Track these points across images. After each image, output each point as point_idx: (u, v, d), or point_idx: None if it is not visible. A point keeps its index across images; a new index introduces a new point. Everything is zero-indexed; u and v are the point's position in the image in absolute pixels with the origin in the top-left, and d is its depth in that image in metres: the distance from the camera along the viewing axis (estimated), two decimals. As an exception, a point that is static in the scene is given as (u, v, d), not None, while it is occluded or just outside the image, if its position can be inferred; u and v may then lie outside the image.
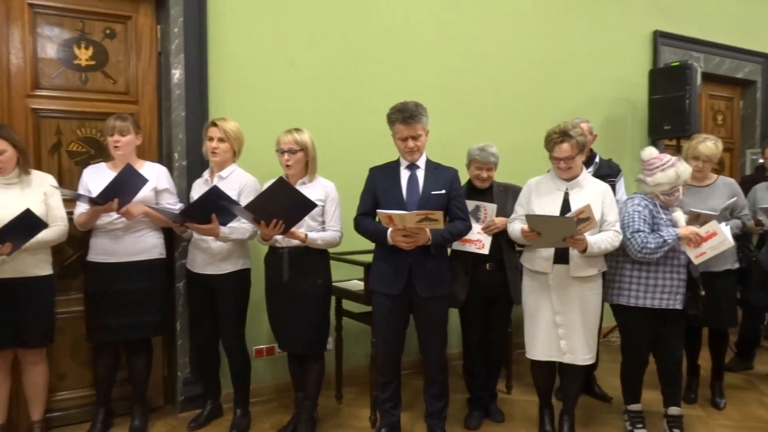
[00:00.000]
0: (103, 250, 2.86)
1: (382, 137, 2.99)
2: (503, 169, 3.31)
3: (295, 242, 2.82)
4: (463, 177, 3.08)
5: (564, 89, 4.66)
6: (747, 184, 3.76)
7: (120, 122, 2.83)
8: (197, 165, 3.24)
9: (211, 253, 2.95)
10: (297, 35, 3.59)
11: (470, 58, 4.23)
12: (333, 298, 3.40)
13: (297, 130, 2.90)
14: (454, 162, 3.07)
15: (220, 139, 2.94)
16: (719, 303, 3.23)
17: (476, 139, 3.44)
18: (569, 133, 2.75)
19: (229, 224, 2.82)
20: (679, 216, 2.89)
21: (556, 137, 2.77)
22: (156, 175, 2.95)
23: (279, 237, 2.80)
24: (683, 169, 2.85)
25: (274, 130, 2.99)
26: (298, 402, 3.06)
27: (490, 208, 3.07)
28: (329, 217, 2.91)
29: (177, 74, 3.21)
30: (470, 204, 3.05)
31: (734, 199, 3.25)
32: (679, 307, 2.85)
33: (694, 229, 2.79)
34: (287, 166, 2.87)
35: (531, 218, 2.65)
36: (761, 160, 4.54)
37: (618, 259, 2.92)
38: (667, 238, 2.75)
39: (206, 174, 3.07)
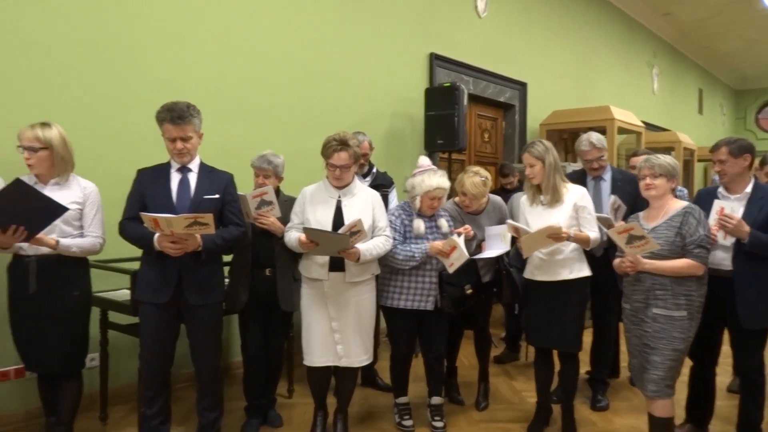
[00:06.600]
0: None
1: (154, 137, 2.81)
2: (289, 176, 3.32)
3: (45, 249, 2.52)
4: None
5: (349, 101, 4.86)
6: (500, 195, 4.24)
7: None
8: None
9: (-63, 263, 2.51)
10: (53, 18, 3.23)
11: (257, 64, 4.20)
12: (98, 311, 3.14)
13: (43, 124, 2.60)
14: (240, 168, 3.01)
15: None
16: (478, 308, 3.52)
17: (263, 145, 3.43)
18: (348, 142, 2.85)
19: None
20: (443, 224, 3.17)
21: (335, 144, 2.84)
22: None
23: (24, 244, 2.49)
24: (419, 181, 3.05)
25: (22, 124, 2.64)
26: (49, 427, 2.74)
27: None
28: (88, 221, 2.66)
29: None
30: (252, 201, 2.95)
31: (503, 226, 3.29)
32: (430, 308, 3.09)
33: (438, 247, 2.98)
34: (29, 165, 2.57)
35: (308, 231, 2.71)
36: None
37: (384, 263, 3.08)
38: (416, 254, 3.00)
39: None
